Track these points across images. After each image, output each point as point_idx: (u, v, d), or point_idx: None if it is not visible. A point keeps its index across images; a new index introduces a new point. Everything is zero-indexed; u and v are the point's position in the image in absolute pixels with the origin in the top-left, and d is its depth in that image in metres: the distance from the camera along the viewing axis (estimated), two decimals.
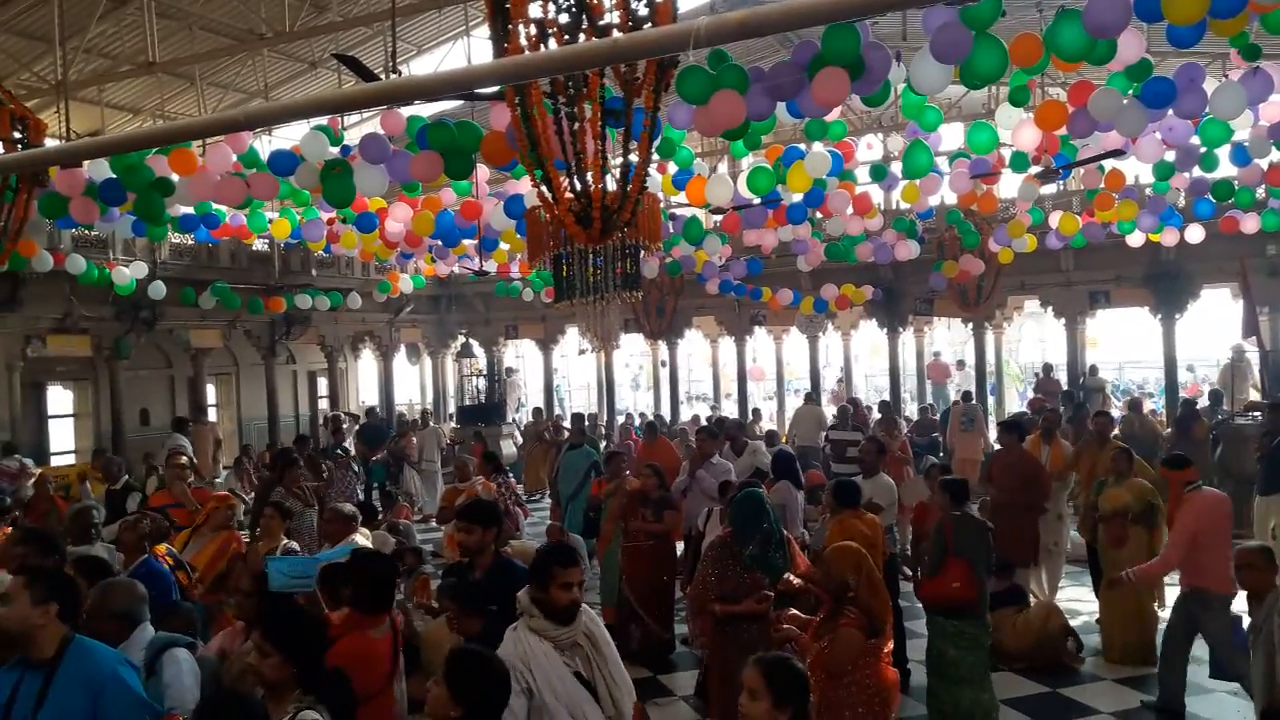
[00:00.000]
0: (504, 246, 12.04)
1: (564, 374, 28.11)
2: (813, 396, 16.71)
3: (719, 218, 11.25)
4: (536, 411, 18.87)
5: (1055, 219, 12.76)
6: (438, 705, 2.80)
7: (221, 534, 6.27)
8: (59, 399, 16.92)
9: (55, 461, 15.16)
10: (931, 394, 19.73)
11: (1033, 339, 26.63)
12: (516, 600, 3.41)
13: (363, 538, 5.95)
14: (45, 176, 7.13)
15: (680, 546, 8.50)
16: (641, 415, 21.18)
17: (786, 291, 15.68)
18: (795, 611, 4.82)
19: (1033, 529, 8.20)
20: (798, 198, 10.26)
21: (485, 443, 14.50)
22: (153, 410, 17.61)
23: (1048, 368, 18.47)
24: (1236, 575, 4.49)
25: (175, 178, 7.99)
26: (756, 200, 9.95)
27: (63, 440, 16.68)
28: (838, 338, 20.68)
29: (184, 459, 7.69)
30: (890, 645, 4.50)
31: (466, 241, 11.65)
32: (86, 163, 7.62)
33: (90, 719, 3.07)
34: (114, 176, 7.84)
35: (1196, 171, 10.06)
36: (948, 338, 22.66)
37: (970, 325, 18.82)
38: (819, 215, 11.73)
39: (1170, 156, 9.63)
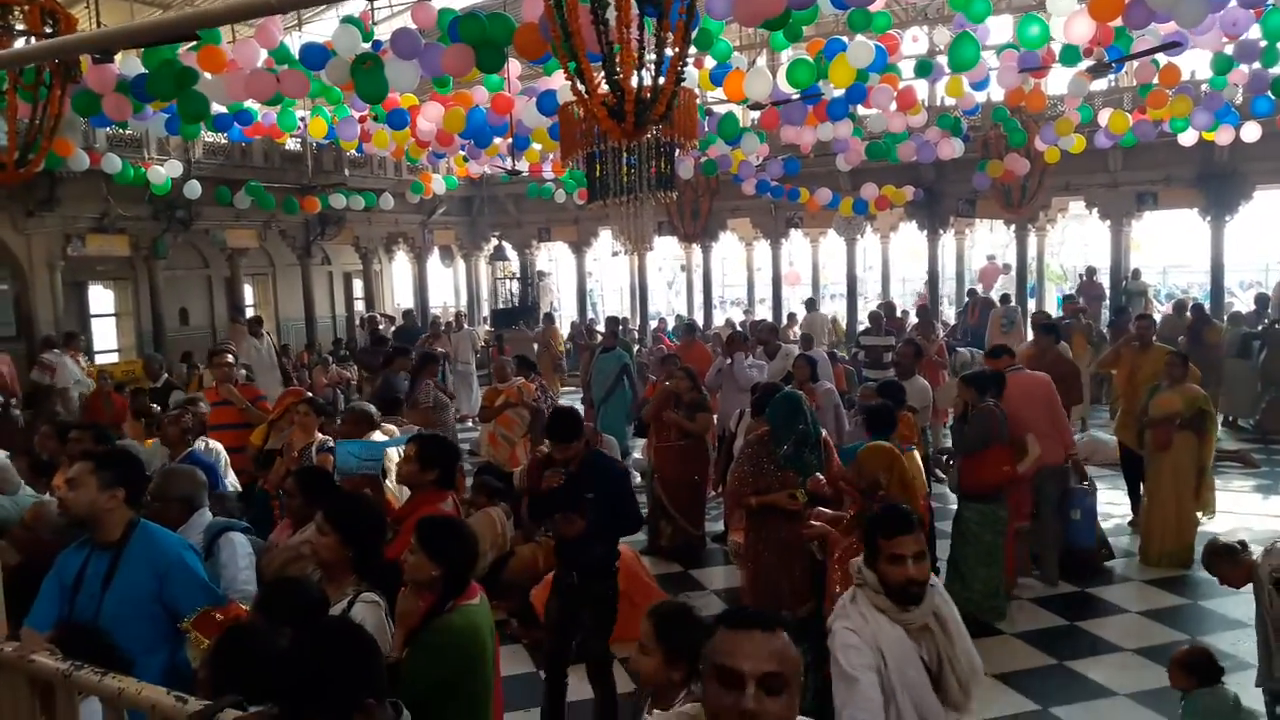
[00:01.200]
0: (536, 146, 11.87)
1: (597, 277, 28.05)
2: (814, 303, 17.52)
3: (756, 114, 10.98)
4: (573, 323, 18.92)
5: (1105, 117, 12.34)
6: (418, 570, 2.96)
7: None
8: (100, 298, 17.18)
9: (99, 360, 15.48)
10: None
11: (1076, 242, 26.10)
12: (852, 569, 3.05)
13: (382, 434, 6.05)
14: (78, 72, 7.07)
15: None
16: (679, 318, 21.19)
17: (825, 192, 15.38)
18: (824, 509, 4.85)
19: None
20: (839, 92, 9.99)
21: (503, 347, 14.63)
22: (191, 310, 17.87)
23: (1091, 270, 18.14)
24: (1206, 564, 4.49)
25: (207, 76, 7.90)
26: (796, 95, 9.69)
27: (106, 339, 17.00)
28: (876, 240, 20.36)
29: (229, 357, 7.80)
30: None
31: (498, 140, 11.48)
32: (118, 58, 7.56)
33: (156, 599, 3.18)
34: (145, 72, 7.78)
35: (1256, 66, 9.65)
36: (989, 240, 22.22)
37: (1013, 227, 18.44)
38: (860, 111, 11.44)
39: (1229, 50, 9.23)
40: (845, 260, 19.97)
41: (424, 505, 4.04)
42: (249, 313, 18.25)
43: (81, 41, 3.91)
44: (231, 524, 3.85)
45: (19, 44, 6.01)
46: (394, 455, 5.60)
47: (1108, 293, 17.42)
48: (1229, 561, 4.31)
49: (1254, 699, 4.29)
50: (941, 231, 18.79)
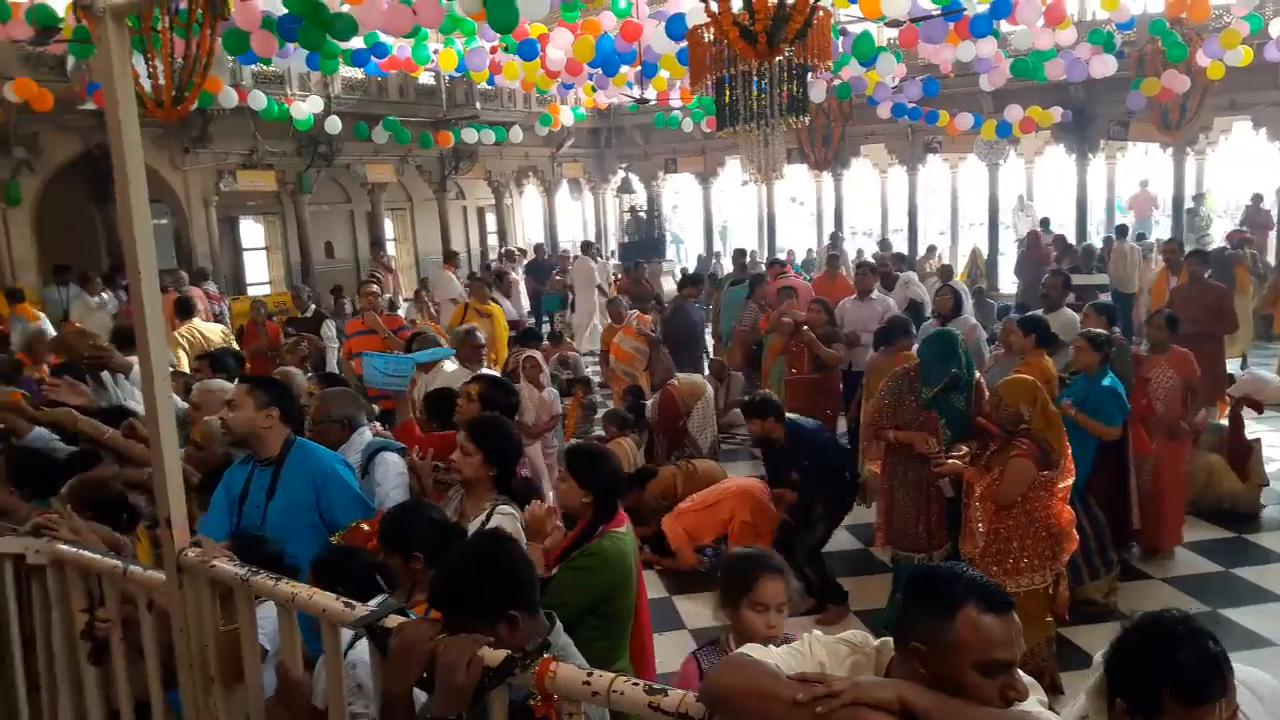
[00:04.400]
0: (664, 73, 11.71)
1: (723, 209, 27.64)
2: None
3: (894, 33, 10.53)
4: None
5: (1276, 27, 11.30)
6: (569, 497, 3.09)
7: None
8: (251, 232, 18.05)
9: (251, 292, 16.33)
10: (1134, 228, 18.37)
11: (1239, 166, 24.18)
12: None
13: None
14: (226, 9, 7.33)
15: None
16: (809, 250, 20.80)
17: (966, 115, 14.68)
18: (965, 449, 4.73)
19: (1220, 364, 7.72)
20: (982, 8, 9.47)
21: (631, 277, 14.65)
22: (336, 244, 18.57)
23: (1257, 198, 16.78)
24: None
25: (346, 8, 8.07)
26: (936, 11, 9.25)
27: (257, 272, 17.90)
28: (1020, 165, 19.37)
29: (375, 288, 8.14)
30: (1068, 481, 4.39)
31: (626, 69, 11.39)
32: None
33: (313, 509, 3.43)
34: (289, 11, 8.01)
35: None
36: (1143, 164, 20.83)
37: (1170, 151, 17.24)
38: (1005, 28, 10.83)
39: None
40: (987, 186, 19.11)
41: None
42: (390, 247, 18.90)
43: None
44: (387, 444, 4.04)
45: None
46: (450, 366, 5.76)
47: (1276, 221, 16.17)
48: None
49: None
50: (1091, 156, 17.74)
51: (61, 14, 9.31)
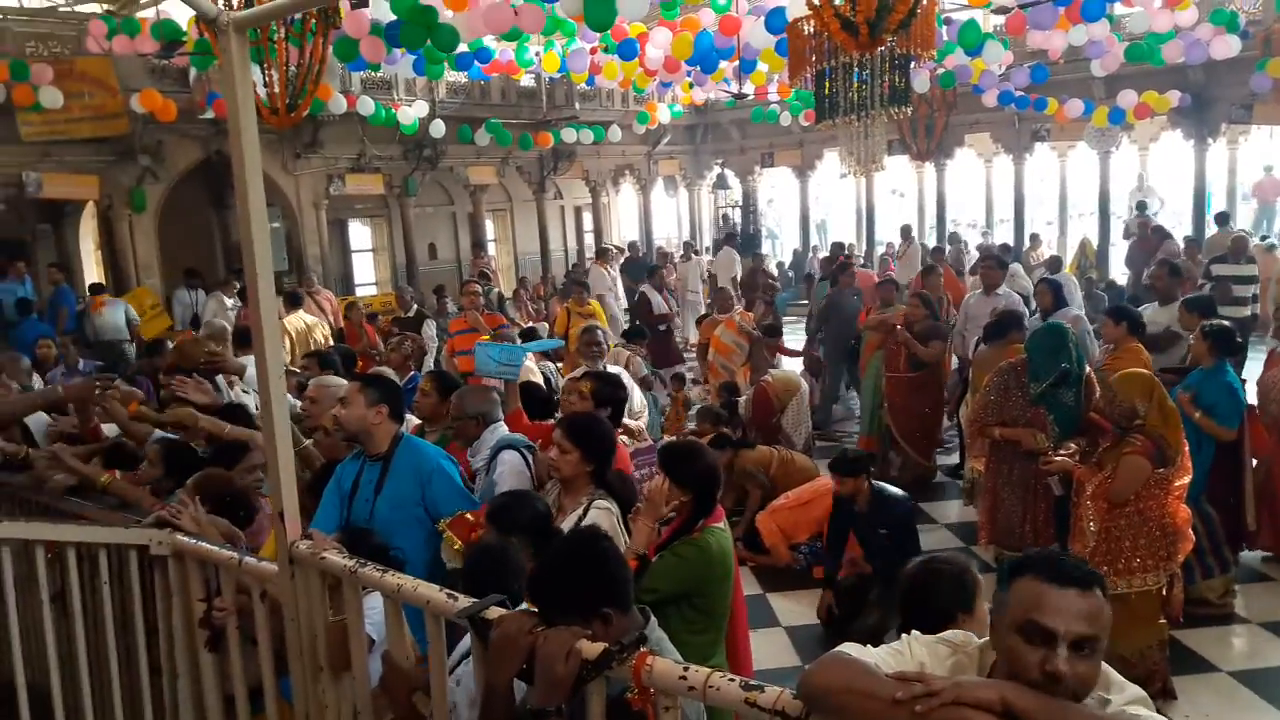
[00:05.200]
0: (763, 67, 11.63)
1: (821, 200, 27.23)
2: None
3: (1001, 19, 10.22)
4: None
5: None
6: (668, 496, 3.07)
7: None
8: (359, 234, 18.62)
9: (359, 292, 16.85)
10: (1256, 214, 17.42)
11: None
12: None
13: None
14: (337, 18, 7.59)
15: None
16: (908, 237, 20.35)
17: (1076, 101, 14.14)
18: (1073, 445, 4.57)
19: None
20: None
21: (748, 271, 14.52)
22: (439, 244, 19.01)
23: None
24: None
25: (449, 14, 8.25)
26: None
27: (364, 273, 18.46)
28: (1133, 152, 18.56)
29: (477, 288, 8.35)
30: (1185, 479, 4.20)
31: (724, 64, 11.36)
32: (371, 3, 8.05)
33: (419, 504, 3.53)
34: (396, 18, 8.24)
35: None
36: (1268, 149, 19.73)
37: None
38: (1119, 10, 10.40)
39: None
40: (1099, 175, 18.37)
41: None
42: (490, 248, 19.26)
43: None
44: (515, 440, 4.14)
45: None
46: (531, 364, 5.82)
47: None
48: None
49: None
50: (1211, 141, 16.84)
51: (185, 28, 9.78)
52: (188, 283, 13.04)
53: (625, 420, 5.41)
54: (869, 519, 5.08)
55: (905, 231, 16.84)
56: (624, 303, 14.72)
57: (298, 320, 8.96)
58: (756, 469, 6.80)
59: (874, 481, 5.16)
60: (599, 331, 6.30)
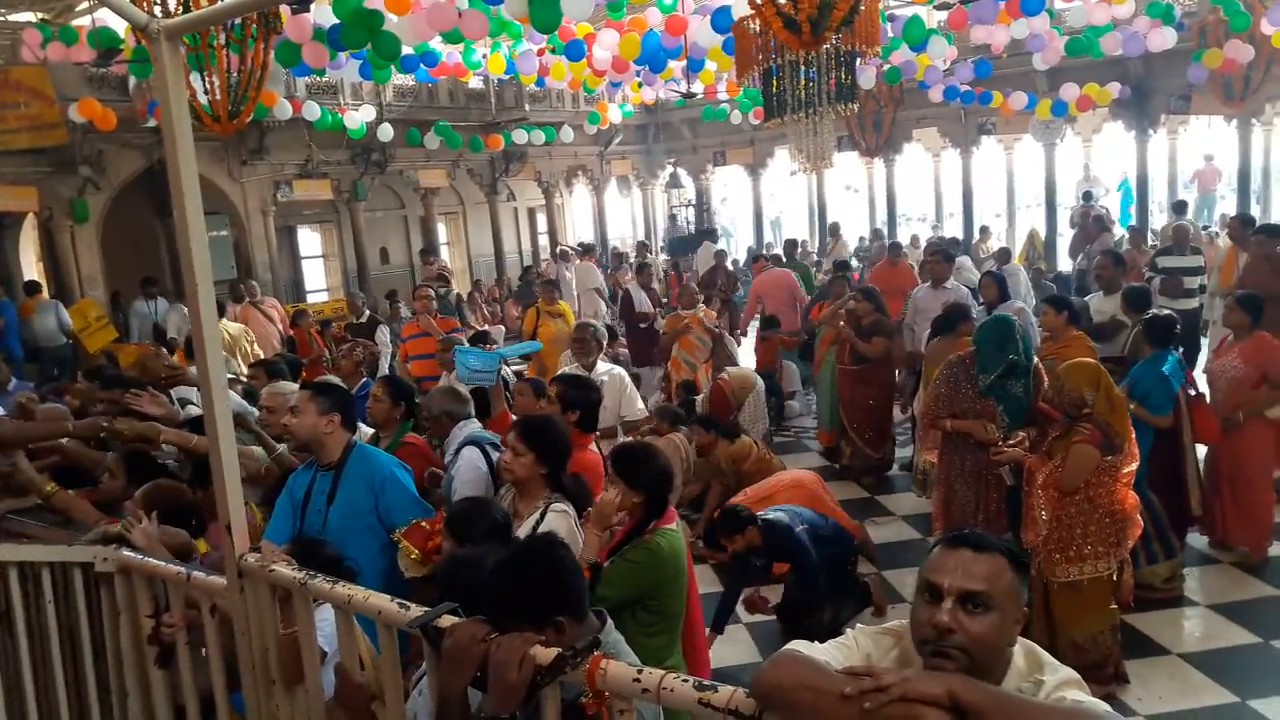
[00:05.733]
0: (711, 66, 11.67)
1: (775, 197, 27.45)
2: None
3: (944, 15, 10.36)
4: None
5: None
6: (621, 500, 3.04)
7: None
8: (309, 240, 18.40)
9: (310, 299, 16.64)
10: (1197, 203, 17.82)
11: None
12: None
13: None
14: (279, 24, 7.48)
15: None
16: (860, 238, 20.58)
17: (1020, 95, 14.38)
18: (1022, 435, 4.65)
19: None
20: None
21: (682, 275, 14.59)
22: (391, 249, 18.84)
23: None
24: None
25: (393, 18, 8.17)
26: None
27: (315, 279, 18.24)
28: (1077, 144, 18.92)
29: (429, 292, 8.28)
30: (1132, 466, 4.28)
31: (673, 63, 11.39)
32: (313, 8, 7.94)
33: (373, 512, 3.50)
34: (339, 22, 8.15)
35: None
36: (1207, 139, 20.21)
37: (1234, 123, 16.71)
38: (1058, 5, 10.60)
39: None
40: (1044, 166, 18.71)
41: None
42: (443, 251, 19.13)
43: None
44: (479, 438, 4.15)
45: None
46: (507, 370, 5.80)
47: None
48: None
49: None
50: (1152, 131, 17.23)
51: (122, 36, 9.59)
52: (145, 292, 12.76)
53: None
54: (768, 554, 5.06)
55: (834, 229, 17.02)
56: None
57: (225, 326, 8.90)
58: (729, 464, 6.83)
59: (759, 519, 5.07)
60: (591, 328, 6.22)
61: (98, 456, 4.21)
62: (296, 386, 4.74)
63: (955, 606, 1.63)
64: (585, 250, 15.40)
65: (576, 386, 4.31)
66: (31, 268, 14.18)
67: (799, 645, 1.75)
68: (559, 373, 5.24)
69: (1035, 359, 5.02)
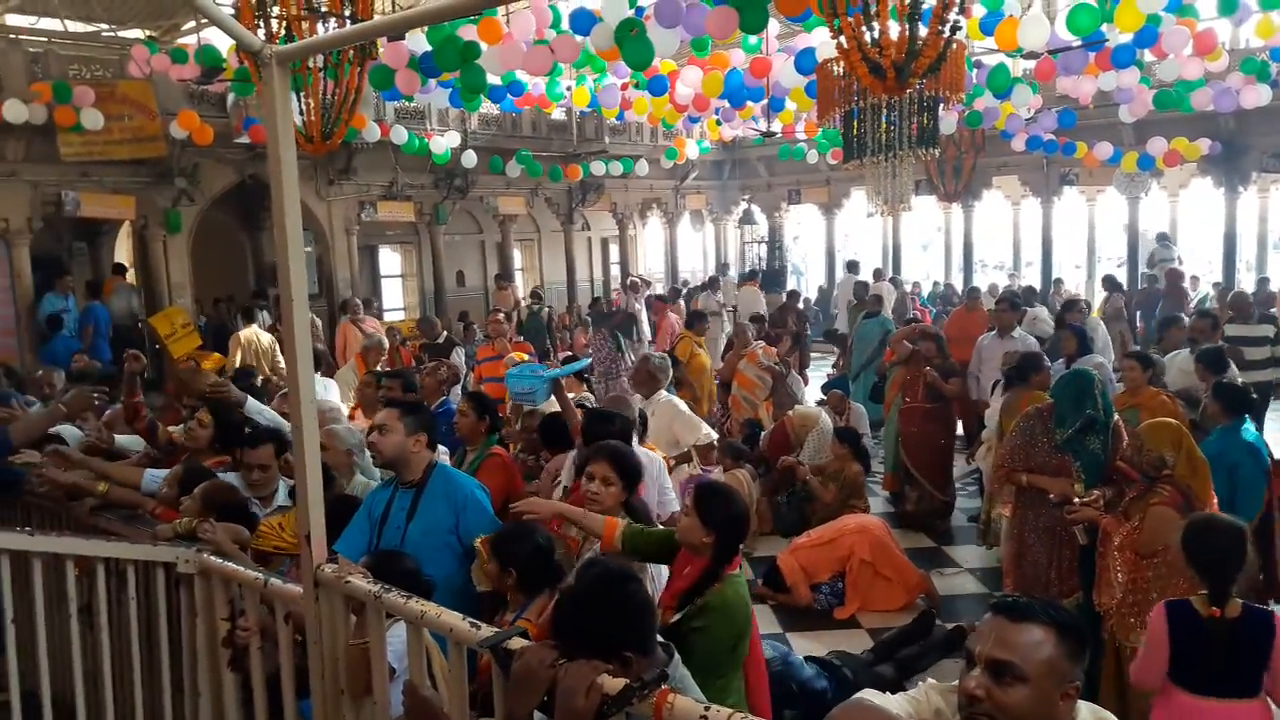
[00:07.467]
0: (791, 106, 11.72)
1: (850, 240, 27.32)
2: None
3: (1030, 64, 10.26)
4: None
5: None
6: (690, 533, 3.02)
7: None
8: (389, 261, 18.83)
9: (388, 318, 16.99)
10: None
11: None
12: None
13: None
14: (375, 50, 7.73)
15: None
16: (934, 283, 20.36)
17: (1105, 146, 14.14)
18: (1096, 493, 4.53)
19: None
20: (1126, 38, 9.15)
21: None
22: (467, 272, 19.17)
23: None
24: None
25: (484, 46, 8.39)
26: (1076, 42, 8.98)
27: (393, 299, 18.63)
28: (1163, 198, 18.50)
29: (502, 315, 8.44)
30: None
31: (752, 103, 11.46)
32: (408, 35, 8.20)
33: (453, 531, 3.54)
34: (431, 49, 8.40)
35: None
36: None
37: None
38: (1148, 58, 10.43)
39: None
40: (1127, 220, 18.31)
41: None
42: (517, 277, 19.42)
43: (386, 25, 4.26)
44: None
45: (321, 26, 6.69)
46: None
47: None
48: None
49: None
50: (1242, 189, 16.79)
51: (225, 55, 10.00)
52: (256, 304, 13.22)
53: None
54: None
55: (852, 266, 16.82)
56: (649, 334, 14.75)
57: (252, 334, 10.07)
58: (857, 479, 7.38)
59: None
60: (652, 361, 6.25)
61: (135, 499, 4.35)
62: (353, 427, 4.83)
63: (985, 674, 1.64)
64: (751, 276, 15.78)
65: (598, 420, 4.40)
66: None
67: (870, 695, 1.75)
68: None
69: (1115, 416, 4.90)
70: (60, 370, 7.84)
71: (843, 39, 5.15)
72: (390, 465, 3.66)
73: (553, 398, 5.34)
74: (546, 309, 14.92)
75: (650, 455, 5.18)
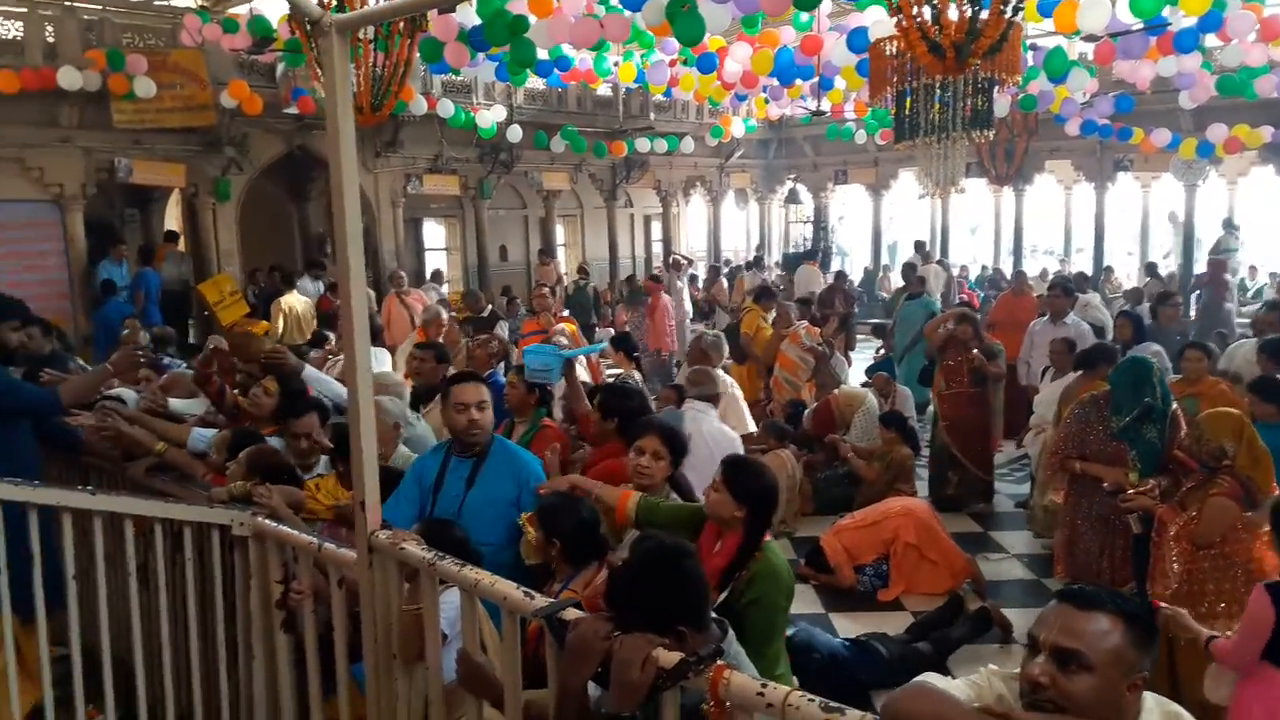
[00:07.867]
0: (841, 85, 11.56)
1: (893, 220, 27.00)
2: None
3: (1089, 47, 10.04)
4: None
5: None
6: (721, 508, 3.00)
7: None
8: (433, 234, 18.93)
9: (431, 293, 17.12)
10: None
11: None
12: None
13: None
14: (425, 22, 7.73)
15: None
16: (983, 267, 20.10)
17: (1163, 131, 13.82)
18: (1151, 482, 4.45)
19: None
20: (1189, 22, 8.92)
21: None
22: (510, 247, 19.24)
23: None
24: None
25: (533, 19, 8.35)
26: (1138, 25, 8.76)
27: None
28: (1221, 186, 18.06)
29: (547, 290, 8.48)
30: None
31: (800, 81, 11.32)
32: (458, 8, 8.19)
33: (514, 503, 3.55)
34: (480, 22, 8.38)
35: None
36: None
37: None
38: (1211, 42, 10.16)
39: None
40: (1184, 207, 17.90)
41: (607, 455, 4.22)
42: (560, 253, 19.45)
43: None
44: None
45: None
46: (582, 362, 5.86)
47: None
48: None
49: None
50: None
51: (275, 25, 10.06)
52: (311, 273, 13.38)
53: None
54: None
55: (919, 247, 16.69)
56: (690, 311, 14.70)
57: (293, 299, 10.82)
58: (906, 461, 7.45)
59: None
60: (705, 338, 6.31)
61: (190, 462, 4.45)
62: (393, 409, 4.85)
63: (1049, 662, 1.62)
64: (811, 255, 15.97)
65: (615, 394, 4.48)
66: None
67: (931, 677, 1.73)
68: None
69: (1174, 404, 4.80)
70: (144, 333, 8.20)
71: (902, 18, 5.06)
72: (476, 442, 3.67)
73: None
74: (592, 285, 14.94)
75: (729, 433, 5.21)
